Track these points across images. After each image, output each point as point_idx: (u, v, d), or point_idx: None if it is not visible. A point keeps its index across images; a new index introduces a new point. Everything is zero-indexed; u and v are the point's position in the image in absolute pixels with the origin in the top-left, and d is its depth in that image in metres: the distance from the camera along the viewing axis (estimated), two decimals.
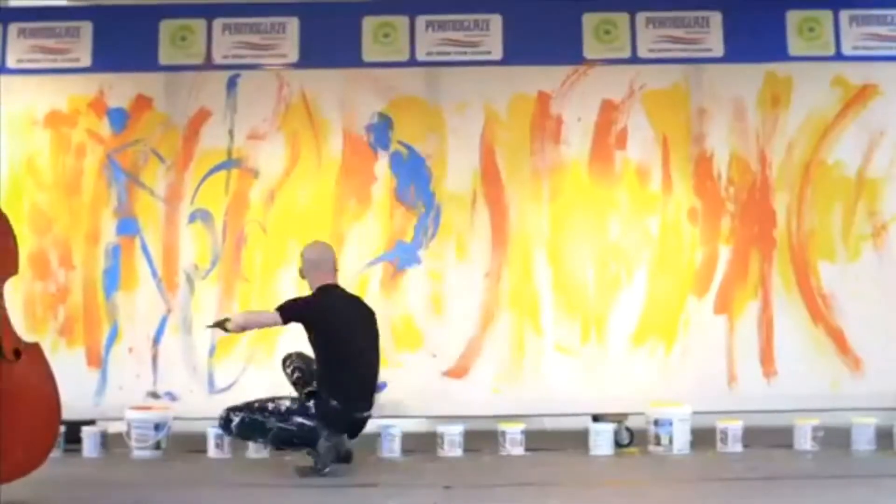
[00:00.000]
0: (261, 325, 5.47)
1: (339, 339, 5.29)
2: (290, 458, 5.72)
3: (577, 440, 5.77)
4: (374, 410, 5.89)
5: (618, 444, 5.80)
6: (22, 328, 4.84)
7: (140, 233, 6.16)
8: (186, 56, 6.26)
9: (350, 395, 5.23)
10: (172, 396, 6.03)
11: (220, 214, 6.16)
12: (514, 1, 6.25)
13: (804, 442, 5.71)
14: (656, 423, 5.73)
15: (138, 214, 6.16)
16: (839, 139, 6.14)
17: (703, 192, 6.16)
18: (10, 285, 4.45)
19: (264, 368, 6.02)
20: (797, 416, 5.79)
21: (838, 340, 6.03)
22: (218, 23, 6.28)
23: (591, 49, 6.23)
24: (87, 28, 6.27)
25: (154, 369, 6.06)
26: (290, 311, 5.26)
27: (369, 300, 5.97)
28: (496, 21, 6.24)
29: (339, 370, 5.24)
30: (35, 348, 4.37)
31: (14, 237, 4.45)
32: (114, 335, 6.08)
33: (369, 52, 6.24)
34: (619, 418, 5.88)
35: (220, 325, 5.29)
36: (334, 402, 5.17)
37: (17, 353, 4.25)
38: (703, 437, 5.73)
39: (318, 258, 5.47)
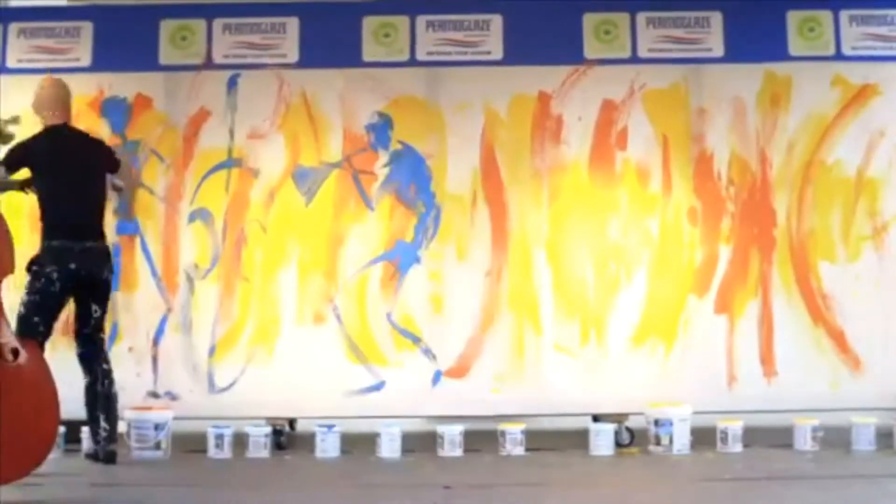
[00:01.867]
0: None
1: (39, 176, 5.31)
2: (289, 458, 5.73)
3: (578, 440, 5.77)
4: (374, 410, 5.92)
5: (618, 445, 5.80)
6: None
7: (140, 232, 6.16)
8: (186, 56, 6.27)
9: (53, 228, 5.25)
10: (172, 396, 6.03)
11: (221, 214, 6.16)
12: (515, 1, 6.25)
13: (804, 442, 5.71)
14: (656, 423, 5.73)
15: (138, 214, 6.16)
16: (839, 139, 6.14)
17: (704, 192, 6.16)
18: (10, 285, 4.44)
19: (264, 368, 6.03)
20: (797, 416, 5.79)
21: (838, 340, 6.03)
22: (218, 23, 6.28)
23: (591, 49, 6.23)
24: (87, 28, 6.27)
25: (154, 369, 6.06)
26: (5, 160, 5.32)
27: (369, 300, 6.00)
28: (496, 21, 6.25)
29: (43, 210, 5.30)
30: (33, 347, 4.36)
31: (10, 236, 4.43)
32: (114, 335, 6.08)
33: (369, 51, 6.24)
34: (619, 418, 5.88)
35: None
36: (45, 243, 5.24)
37: (15, 353, 4.24)
38: (704, 437, 5.73)
39: (46, 97, 5.43)
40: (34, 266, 5.24)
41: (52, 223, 5.29)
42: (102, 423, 5.30)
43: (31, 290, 5.22)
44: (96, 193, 5.44)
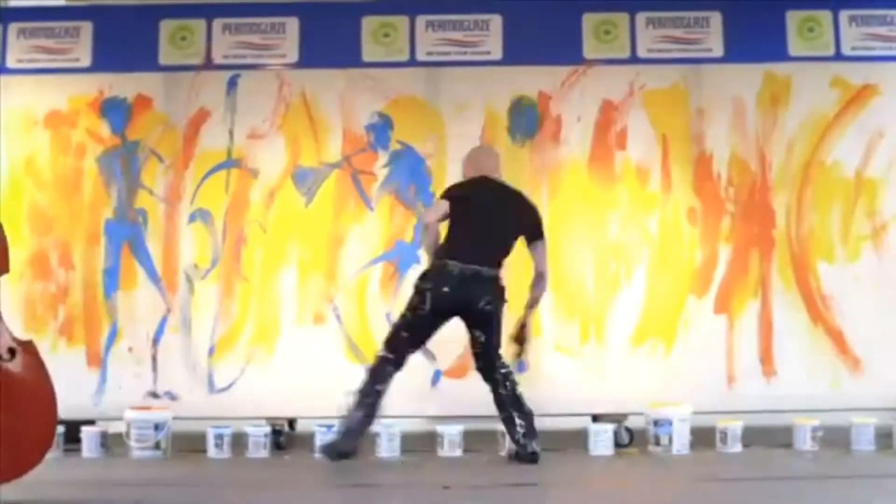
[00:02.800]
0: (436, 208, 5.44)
1: (457, 209, 5.35)
2: (289, 458, 5.73)
3: (577, 440, 5.77)
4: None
5: (617, 445, 5.80)
6: (22, 328, 4.85)
7: (141, 234, 6.16)
8: (186, 56, 6.27)
9: (450, 249, 5.31)
10: (172, 396, 6.03)
11: (220, 214, 6.16)
12: (514, 1, 6.25)
13: (804, 442, 5.71)
14: (656, 423, 5.72)
15: (138, 215, 6.16)
16: (839, 139, 6.14)
17: (703, 192, 6.16)
18: (8, 285, 4.43)
19: (264, 368, 6.03)
20: (797, 416, 5.79)
21: (838, 340, 6.03)
22: (218, 23, 6.28)
23: (590, 49, 6.23)
24: (86, 28, 6.27)
25: (154, 369, 6.06)
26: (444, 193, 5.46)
27: (369, 300, 6.00)
28: (496, 21, 6.25)
29: (448, 234, 5.37)
30: (30, 346, 4.36)
31: (3, 234, 4.42)
32: (113, 335, 6.08)
33: (369, 51, 6.24)
34: (618, 418, 5.88)
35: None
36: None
37: (12, 352, 4.24)
38: (703, 438, 5.73)
39: (474, 157, 5.59)
40: (417, 280, 5.35)
41: (449, 245, 5.35)
42: (517, 421, 5.30)
43: (407, 305, 5.34)
44: (503, 241, 5.45)
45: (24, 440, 4.18)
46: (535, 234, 5.49)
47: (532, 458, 5.26)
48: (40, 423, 4.32)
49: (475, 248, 5.30)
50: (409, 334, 5.32)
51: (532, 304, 5.52)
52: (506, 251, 5.44)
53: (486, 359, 5.37)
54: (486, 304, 5.29)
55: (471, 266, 5.25)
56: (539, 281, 5.51)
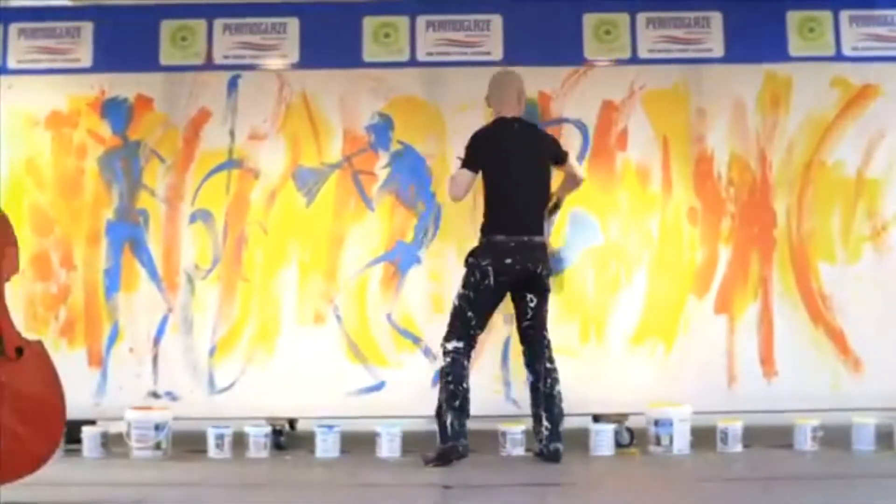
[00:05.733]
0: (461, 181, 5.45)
1: (489, 173, 5.40)
2: (289, 458, 5.73)
3: (578, 440, 5.77)
4: (374, 411, 5.91)
5: (618, 445, 5.80)
6: (23, 328, 4.83)
7: (142, 234, 6.16)
8: (187, 56, 6.26)
9: (496, 222, 5.36)
10: (173, 396, 6.03)
11: (221, 215, 6.16)
12: (515, 1, 6.25)
13: (804, 442, 5.71)
14: (656, 423, 5.72)
15: (139, 215, 6.17)
16: (839, 139, 6.14)
17: (703, 193, 6.16)
18: (11, 285, 4.44)
19: (264, 368, 6.03)
20: (797, 416, 5.79)
21: (838, 341, 6.03)
22: (218, 23, 6.28)
23: (591, 49, 6.23)
24: (87, 28, 6.27)
25: (154, 369, 6.06)
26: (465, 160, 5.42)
27: (369, 300, 6.00)
28: (496, 21, 6.25)
29: (489, 205, 5.40)
30: (38, 346, 4.36)
31: (14, 237, 4.44)
32: (114, 335, 6.09)
33: (370, 52, 6.24)
34: (619, 418, 5.88)
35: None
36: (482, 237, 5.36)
37: (20, 351, 4.25)
38: (704, 438, 5.73)
39: (497, 85, 5.59)
40: (470, 258, 5.36)
41: (494, 218, 5.39)
42: (544, 422, 5.34)
43: (466, 284, 5.34)
44: (542, 188, 5.52)
45: (30, 440, 4.18)
46: (559, 157, 5.61)
47: (554, 457, 5.29)
48: (47, 423, 4.32)
49: (520, 215, 5.37)
50: (475, 313, 5.33)
51: (570, 187, 5.68)
52: (547, 198, 5.56)
53: (536, 330, 5.43)
54: (543, 271, 5.40)
55: (521, 237, 5.32)
56: (578, 182, 5.70)
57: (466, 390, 5.31)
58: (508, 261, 5.30)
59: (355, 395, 6.01)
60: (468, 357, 5.35)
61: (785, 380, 6.00)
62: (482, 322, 5.42)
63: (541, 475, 5.15)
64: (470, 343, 5.36)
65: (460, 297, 5.39)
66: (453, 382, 5.28)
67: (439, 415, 5.32)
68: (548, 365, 5.43)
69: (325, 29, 6.24)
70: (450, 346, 5.34)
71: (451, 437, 5.25)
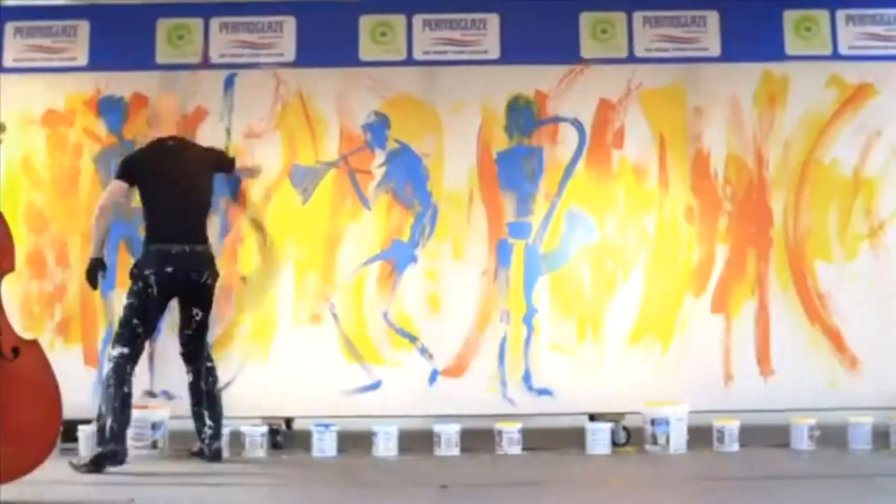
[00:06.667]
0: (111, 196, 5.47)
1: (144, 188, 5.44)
2: (286, 458, 5.73)
3: (574, 439, 5.77)
4: (371, 410, 5.90)
5: (615, 444, 5.80)
6: (19, 327, 4.82)
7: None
8: (183, 55, 6.26)
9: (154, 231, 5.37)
10: (169, 395, 6.01)
11: (218, 213, 6.14)
12: (512, 0, 6.25)
13: (801, 441, 5.72)
14: (653, 422, 5.73)
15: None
16: (836, 138, 6.14)
17: (700, 191, 6.16)
18: (7, 284, 4.44)
19: (261, 367, 6.02)
20: (794, 415, 5.79)
21: (835, 339, 6.04)
22: (215, 22, 6.28)
23: (588, 48, 6.23)
24: (83, 27, 6.27)
25: (150, 368, 6.04)
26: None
27: (366, 299, 5.99)
28: (493, 20, 6.25)
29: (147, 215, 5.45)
30: (34, 346, 4.36)
31: (10, 234, 4.43)
32: (110, 334, 6.06)
33: (366, 50, 6.24)
34: (615, 417, 5.88)
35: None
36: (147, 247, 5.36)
37: (16, 351, 4.24)
38: (700, 437, 5.73)
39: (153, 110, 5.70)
40: (134, 269, 5.36)
41: (153, 227, 5.40)
42: (207, 421, 5.38)
43: (130, 293, 5.34)
44: (200, 197, 5.54)
45: (27, 440, 4.18)
46: (224, 166, 5.76)
47: (217, 457, 5.36)
48: (44, 423, 4.32)
49: (178, 224, 5.39)
50: (140, 321, 5.31)
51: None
52: (207, 206, 5.60)
53: (198, 339, 5.48)
54: (206, 279, 5.42)
55: (182, 246, 5.34)
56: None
57: (128, 395, 5.24)
58: (170, 269, 5.31)
59: (352, 394, 6.00)
60: (133, 362, 5.30)
61: (781, 379, 6.00)
62: (148, 329, 5.38)
63: (537, 474, 5.15)
64: (135, 349, 5.31)
65: (126, 306, 5.36)
66: (114, 386, 5.21)
67: (99, 418, 5.24)
68: (207, 364, 5.48)
69: (322, 28, 6.23)
70: (115, 352, 5.30)
71: (108, 441, 5.16)
